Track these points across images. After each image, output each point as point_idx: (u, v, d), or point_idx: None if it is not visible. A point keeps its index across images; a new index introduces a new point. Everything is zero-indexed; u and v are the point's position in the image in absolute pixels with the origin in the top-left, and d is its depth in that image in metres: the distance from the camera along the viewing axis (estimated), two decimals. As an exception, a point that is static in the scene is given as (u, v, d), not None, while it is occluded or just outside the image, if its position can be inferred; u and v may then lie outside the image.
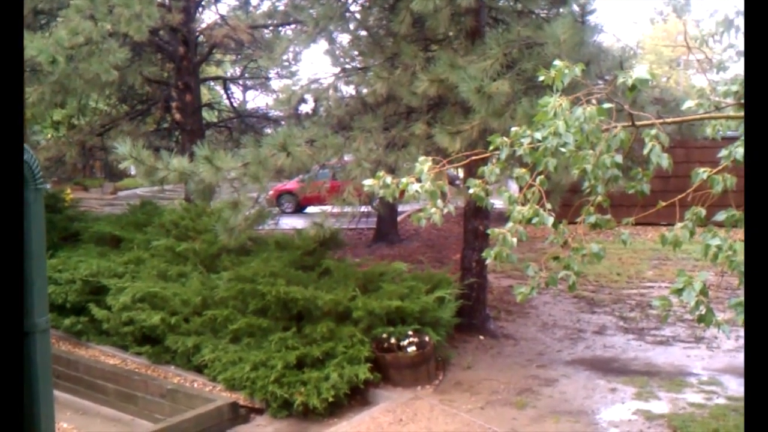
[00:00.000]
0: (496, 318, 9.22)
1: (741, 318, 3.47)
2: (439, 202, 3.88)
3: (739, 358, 7.73)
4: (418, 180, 3.87)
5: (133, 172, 10.93)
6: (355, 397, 6.81)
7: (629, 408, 6.31)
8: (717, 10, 4.47)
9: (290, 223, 11.57)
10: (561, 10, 8.16)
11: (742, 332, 8.51)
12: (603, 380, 7.05)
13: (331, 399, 6.50)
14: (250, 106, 18.61)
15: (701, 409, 6.22)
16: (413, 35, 8.28)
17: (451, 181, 9.08)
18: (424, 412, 6.32)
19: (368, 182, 4.02)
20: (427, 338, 7.18)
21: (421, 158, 3.95)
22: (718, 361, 7.63)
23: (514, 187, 3.87)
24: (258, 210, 8.05)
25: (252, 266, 7.97)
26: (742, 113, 4.27)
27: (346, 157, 7.99)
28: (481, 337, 8.49)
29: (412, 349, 7.02)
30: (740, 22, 4.47)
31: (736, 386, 6.84)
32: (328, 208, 8.44)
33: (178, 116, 13.36)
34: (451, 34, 8.34)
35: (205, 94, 17.56)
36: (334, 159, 7.96)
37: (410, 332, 7.16)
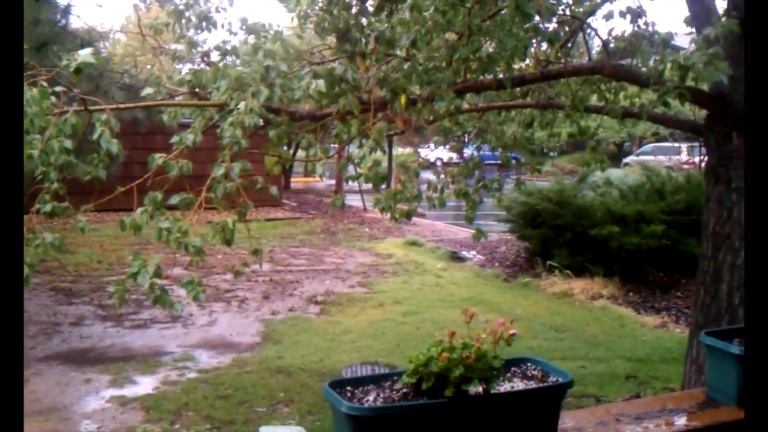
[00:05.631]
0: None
1: (191, 295, 3.73)
2: None
3: (211, 332, 8.35)
4: None
5: None
6: None
7: (104, 396, 6.26)
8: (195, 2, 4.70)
9: None
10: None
11: (215, 307, 9.23)
12: (78, 372, 6.84)
13: None
14: None
15: (174, 385, 6.51)
16: None
17: None
18: None
19: None
20: None
21: None
22: (191, 337, 8.09)
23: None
24: None
25: None
26: (194, 101, 4.57)
27: None
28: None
29: None
30: (190, 13, 4.75)
31: (206, 358, 7.36)
32: None
33: None
34: None
35: None
36: None
37: None
